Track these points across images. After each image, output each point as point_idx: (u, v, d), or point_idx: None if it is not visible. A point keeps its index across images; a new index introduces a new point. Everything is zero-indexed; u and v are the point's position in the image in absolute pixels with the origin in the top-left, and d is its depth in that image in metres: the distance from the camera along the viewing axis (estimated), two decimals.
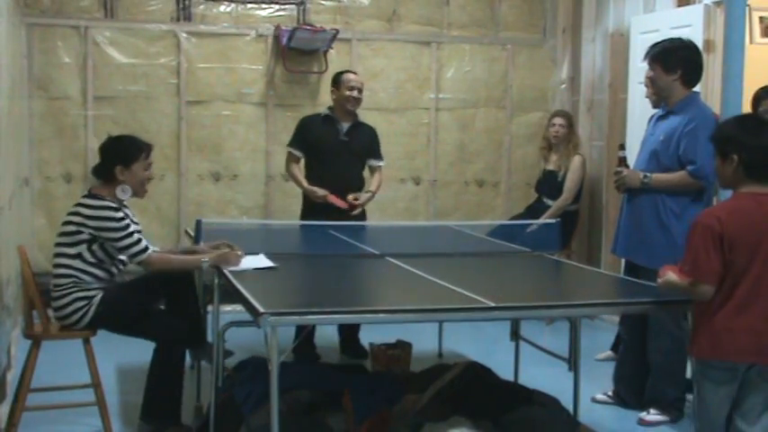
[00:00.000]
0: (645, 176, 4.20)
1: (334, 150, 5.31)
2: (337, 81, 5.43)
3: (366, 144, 5.45)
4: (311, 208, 5.28)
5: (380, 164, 5.53)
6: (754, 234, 2.90)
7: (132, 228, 3.85)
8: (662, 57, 4.18)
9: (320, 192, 5.19)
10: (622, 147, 4.38)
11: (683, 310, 3.58)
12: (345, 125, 5.37)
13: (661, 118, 4.30)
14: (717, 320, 2.91)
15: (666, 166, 4.17)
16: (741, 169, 2.95)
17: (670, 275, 2.98)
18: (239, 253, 3.78)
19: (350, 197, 5.23)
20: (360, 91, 5.40)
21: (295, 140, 5.46)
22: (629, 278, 4.02)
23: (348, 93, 5.34)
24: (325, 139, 5.34)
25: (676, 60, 4.16)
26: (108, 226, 3.79)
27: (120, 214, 3.83)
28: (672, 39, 4.34)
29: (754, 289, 2.90)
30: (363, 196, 5.33)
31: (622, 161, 4.32)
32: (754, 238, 2.90)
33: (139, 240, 3.83)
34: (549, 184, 6.31)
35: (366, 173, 5.51)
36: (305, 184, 5.29)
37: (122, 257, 3.91)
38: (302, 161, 5.44)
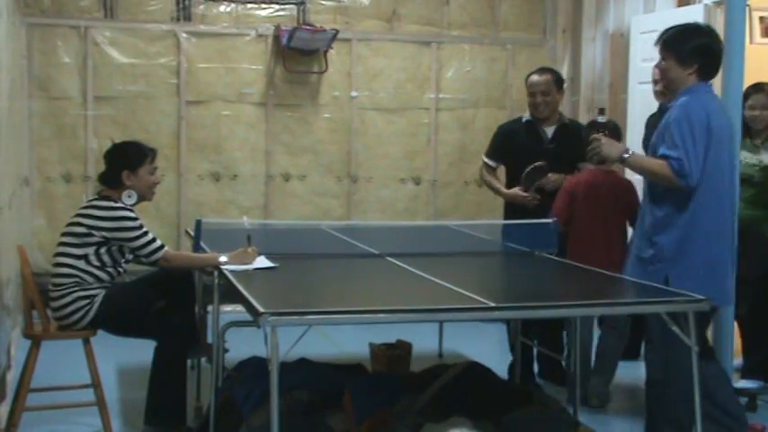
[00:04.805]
0: (627, 151, 3.57)
1: (539, 160, 4.65)
2: (526, 85, 4.88)
3: (575, 147, 4.56)
4: (513, 211, 4.80)
5: (589, 165, 4.63)
6: (599, 197, 4.29)
7: (146, 228, 3.88)
8: (676, 45, 3.49)
9: (520, 193, 4.69)
10: (602, 111, 3.80)
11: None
12: (549, 129, 4.79)
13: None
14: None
15: None
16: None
17: None
18: (253, 249, 3.76)
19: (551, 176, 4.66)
20: (544, 93, 4.71)
21: (492, 151, 4.97)
22: (630, 278, 4.02)
23: (530, 99, 4.79)
24: (528, 148, 4.74)
25: (693, 51, 3.46)
26: (124, 226, 3.80)
27: (135, 215, 3.86)
28: (687, 24, 3.60)
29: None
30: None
31: (601, 128, 3.82)
32: (599, 201, 4.28)
33: (155, 239, 3.86)
34: None
35: None
36: (503, 190, 4.85)
37: (128, 258, 3.92)
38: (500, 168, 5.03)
